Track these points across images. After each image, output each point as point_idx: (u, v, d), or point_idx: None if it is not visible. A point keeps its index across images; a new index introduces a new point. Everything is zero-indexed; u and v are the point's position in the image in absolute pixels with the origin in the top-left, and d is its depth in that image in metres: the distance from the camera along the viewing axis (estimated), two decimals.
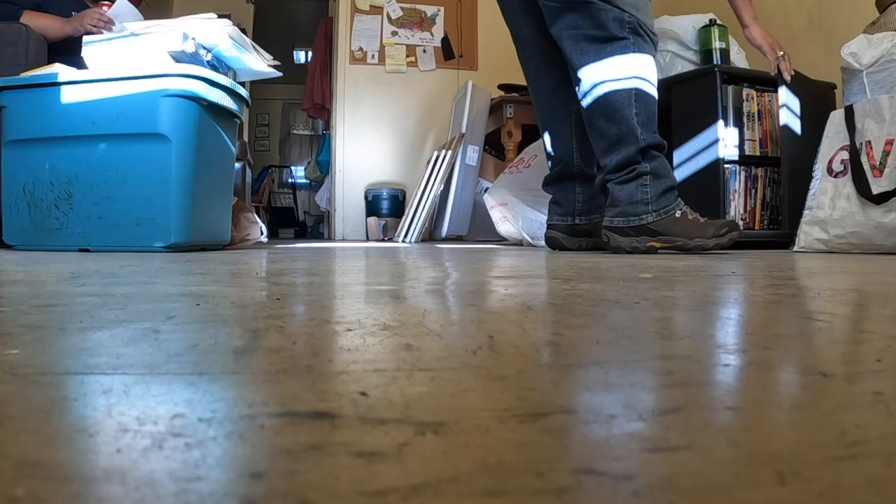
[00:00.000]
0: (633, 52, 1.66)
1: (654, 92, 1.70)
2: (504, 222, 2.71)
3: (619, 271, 1.00)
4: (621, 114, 1.66)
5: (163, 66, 1.69)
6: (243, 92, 1.92)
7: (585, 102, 1.73)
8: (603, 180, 1.73)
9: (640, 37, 1.67)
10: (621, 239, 1.66)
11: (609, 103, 1.67)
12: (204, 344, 0.36)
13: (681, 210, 1.65)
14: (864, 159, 1.82)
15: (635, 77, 1.66)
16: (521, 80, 2.24)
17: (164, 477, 0.17)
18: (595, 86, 1.69)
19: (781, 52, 2.07)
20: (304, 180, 7.12)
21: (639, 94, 1.67)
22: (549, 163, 2.04)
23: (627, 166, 1.67)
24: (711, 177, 2.20)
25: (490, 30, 4.33)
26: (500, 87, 3.62)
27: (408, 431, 0.21)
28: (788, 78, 2.10)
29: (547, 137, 2.01)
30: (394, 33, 4.43)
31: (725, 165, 2.21)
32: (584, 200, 1.96)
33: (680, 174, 2.28)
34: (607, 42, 1.67)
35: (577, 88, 1.76)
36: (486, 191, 3.30)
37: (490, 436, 0.20)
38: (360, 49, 4.41)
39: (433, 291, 0.70)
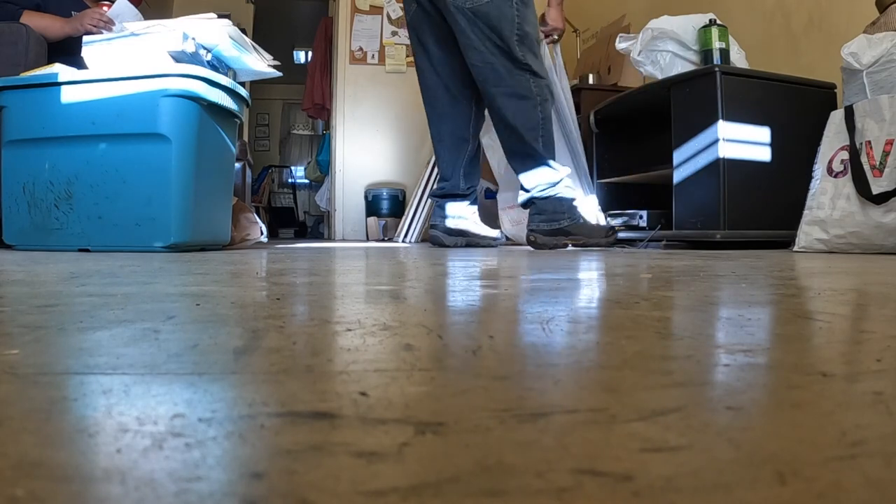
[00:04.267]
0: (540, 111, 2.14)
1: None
2: (519, 224, 2.73)
3: (618, 271, 1.00)
4: (530, 143, 2.12)
5: (163, 66, 1.69)
6: (243, 92, 1.92)
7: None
8: (529, 199, 2.18)
9: (541, 89, 2.14)
10: (545, 238, 2.11)
11: (519, 135, 2.13)
12: (204, 344, 0.36)
13: (583, 218, 2.16)
14: (864, 159, 1.82)
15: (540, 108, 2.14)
16: None
17: (164, 477, 0.17)
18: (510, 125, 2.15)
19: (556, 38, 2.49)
20: (304, 180, 7.12)
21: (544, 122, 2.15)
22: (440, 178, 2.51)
23: (545, 184, 2.13)
24: (711, 176, 2.20)
25: None
26: None
27: (408, 431, 0.21)
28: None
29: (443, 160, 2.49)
30: (394, 33, 4.42)
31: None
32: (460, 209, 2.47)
33: (680, 174, 2.28)
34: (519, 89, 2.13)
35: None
36: (485, 191, 3.30)
37: (490, 436, 0.20)
38: (360, 49, 4.40)
39: (433, 291, 0.70)
